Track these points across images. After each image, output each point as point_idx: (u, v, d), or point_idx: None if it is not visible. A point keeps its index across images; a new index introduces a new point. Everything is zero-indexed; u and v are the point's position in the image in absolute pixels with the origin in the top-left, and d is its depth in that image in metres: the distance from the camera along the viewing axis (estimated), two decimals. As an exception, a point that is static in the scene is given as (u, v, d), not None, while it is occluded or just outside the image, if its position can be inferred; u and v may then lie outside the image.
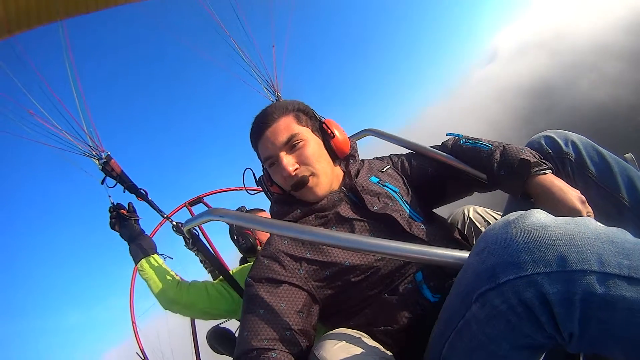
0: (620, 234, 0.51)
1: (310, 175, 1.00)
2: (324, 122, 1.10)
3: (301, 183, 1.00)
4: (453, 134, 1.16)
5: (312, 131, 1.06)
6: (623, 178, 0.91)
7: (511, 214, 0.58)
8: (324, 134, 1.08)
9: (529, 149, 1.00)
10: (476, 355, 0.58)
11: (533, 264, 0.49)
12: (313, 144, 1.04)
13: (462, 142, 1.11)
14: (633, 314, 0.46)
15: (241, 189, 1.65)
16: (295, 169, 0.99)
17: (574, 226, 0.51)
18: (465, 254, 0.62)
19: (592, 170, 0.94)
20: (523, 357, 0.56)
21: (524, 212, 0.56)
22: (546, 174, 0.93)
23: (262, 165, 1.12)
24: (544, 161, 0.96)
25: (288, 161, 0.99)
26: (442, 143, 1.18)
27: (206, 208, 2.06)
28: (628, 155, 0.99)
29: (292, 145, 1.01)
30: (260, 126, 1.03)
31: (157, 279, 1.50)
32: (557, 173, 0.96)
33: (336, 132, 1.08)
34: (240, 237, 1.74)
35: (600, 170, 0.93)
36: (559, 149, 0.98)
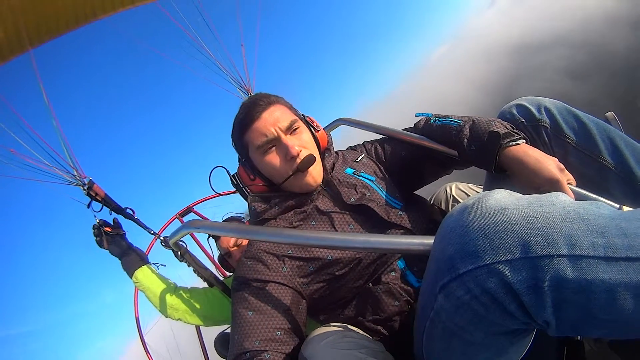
0: (593, 209, 0.47)
1: None
2: (307, 117, 1.11)
3: (310, 160, 0.98)
4: (423, 114, 1.12)
5: (301, 121, 1.06)
6: (603, 139, 0.85)
7: (470, 197, 0.55)
8: (309, 127, 1.08)
9: (499, 120, 0.95)
10: (453, 343, 0.57)
11: (492, 252, 0.45)
12: (307, 132, 1.05)
13: (432, 121, 1.07)
14: (615, 296, 0.42)
15: (227, 194, 1.66)
16: (300, 150, 0.98)
17: (537, 207, 0.47)
18: (430, 240, 0.60)
19: (569, 135, 0.88)
20: (502, 341, 0.53)
21: (482, 194, 0.53)
22: (519, 144, 0.87)
23: (242, 159, 1.08)
24: (516, 131, 0.91)
25: (294, 142, 0.98)
26: (414, 124, 1.15)
27: (197, 217, 2.09)
28: (609, 113, 0.93)
29: (292, 130, 1.00)
30: (256, 108, 1.00)
31: (153, 287, 1.52)
32: (532, 142, 0.91)
33: (319, 127, 1.10)
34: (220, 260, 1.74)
35: (578, 134, 0.88)
36: (532, 117, 0.92)
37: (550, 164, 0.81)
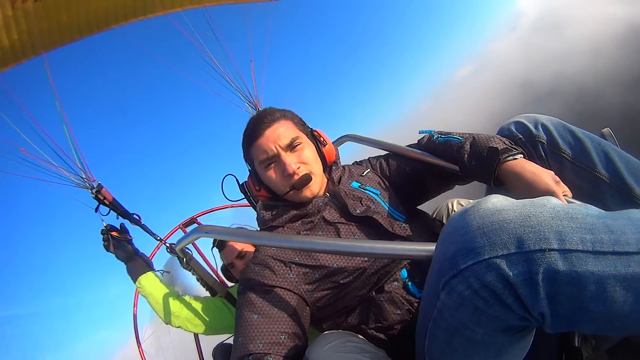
0: (581, 209, 0.51)
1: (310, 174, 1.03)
2: (315, 131, 1.14)
3: (306, 180, 1.01)
4: (426, 132, 1.16)
5: (307, 137, 1.10)
6: (598, 153, 0.89)
7: (469, 203, 0.61)
8: (316, 141, 1.12)
9: (498, 136, 0.99)
10: (455, 342, 0.59)
11: (489, 248, 0.49)
12: (310, 148, 1.08)
13: (435, 137, 1.12)
14: (604, 287, 0.46)
15: (231, 207, 1.68)
16: (298, 168, 1.01)
17: (530, 207, 0.52)
18: (433, 246, 0.64)
19: (565, 150, 0.92)
20: (501, 339, 0.57)
21: (481, 199, 0.57)
22: (516, 159, 0.91)
23: (250, 170, 1.14)
24: (514, 146, 0.95)
25: (291, 160, 1.02)
26: (418, 141, 1.19)
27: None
28: (605, 130, 0.97)
29: (293, 146, 1.04)
30: (260, 125, 1.04)
31: (156, 294, 1.53)
32: (529, 157, 0.95)
33: (327, 141, 1.14)
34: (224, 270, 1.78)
35: (573, 148, 0.92)
36: (529, 133, 0.96)
37: (546, 177, 0.85)
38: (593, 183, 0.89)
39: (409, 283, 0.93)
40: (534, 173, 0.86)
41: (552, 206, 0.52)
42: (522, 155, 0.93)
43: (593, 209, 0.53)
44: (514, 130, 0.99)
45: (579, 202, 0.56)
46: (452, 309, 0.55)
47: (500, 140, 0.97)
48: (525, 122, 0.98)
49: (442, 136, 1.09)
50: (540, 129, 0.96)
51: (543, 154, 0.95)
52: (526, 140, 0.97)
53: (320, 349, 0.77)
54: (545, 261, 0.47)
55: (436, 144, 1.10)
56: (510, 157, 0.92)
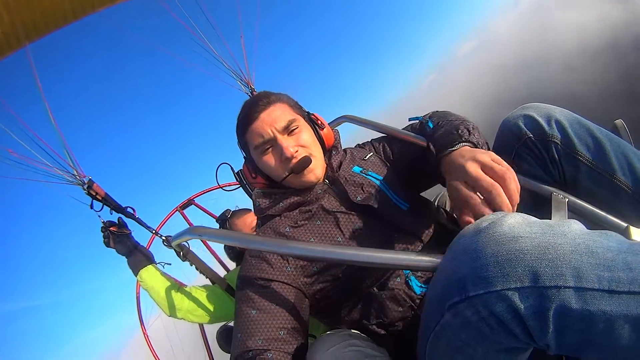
0: (603, 242, 0.49)
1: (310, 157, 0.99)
2: (312, 114, 1.10)
3: (305, 162, 0.96)
4: (415, 118, 1.09)
5: (304, 120, 1.06)
6: (618, 157, 0.78)
7: (484, 218, 0.56)
8: (314, 125, 1.07)
9: (461, 125, 0.88)
10: (456, 357, 0.58)
11: (503, 279, 0.47)
12: (308, 131, 1.03)
13: (424, 122, 1.05)
14: (614, 327, 0.45)
15: (228, 185, 1.66)
16: (296, 151, 0.97)
17: (549, 237, 0.48)
18: (438, 259, 0.61)
19: (582, 152, 0.80)
20: (503, 357, 0.55)
21: (497, 217, 0.54)
22: (455, 149, 0.79)
23: (245, 157, 1.09)
24: (459, 134, 0.83)
25: (289, 143, 0.97)
26: (420, 121, 1.12)
27: (199, 210, 2.09)
28: (618, 121, 0.89)
29: (290, 130, 0.99)
30: (255, 109, 0.99)
31: (157, 287, 1.55)
32: (539, 159, 0.84)
33: (324, 124, 1.09)
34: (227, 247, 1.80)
35: (591, 151, 0.80)
36: (541, 131, 0.83)
37: (465, 197, 0.69)
38: (612, 191, 0.80)
39: (412, 278, 0.91)
40: (458, 190, 0.71)
41: (573, 236, 0.49)
42: (467, 144, 0.82)
43: (613, 240, 0.49)
44: (523, 127, 0.85)
45: (599, 231, 0.51)
46: (455, 329, 0.53)
47: (456, 131, 0.86)
48: (536, 116, 0.84)
49: (428, 122, 1.02)
50: (554, 126, 0.83)
51: (556, 155, 0.83)
52: (537, 140, 0.84)
53: (321, 353, 0.76)
54: (559, 298, 0.45)
55: (424, 129, 1.04)
56: (444, 154, 0.81)
